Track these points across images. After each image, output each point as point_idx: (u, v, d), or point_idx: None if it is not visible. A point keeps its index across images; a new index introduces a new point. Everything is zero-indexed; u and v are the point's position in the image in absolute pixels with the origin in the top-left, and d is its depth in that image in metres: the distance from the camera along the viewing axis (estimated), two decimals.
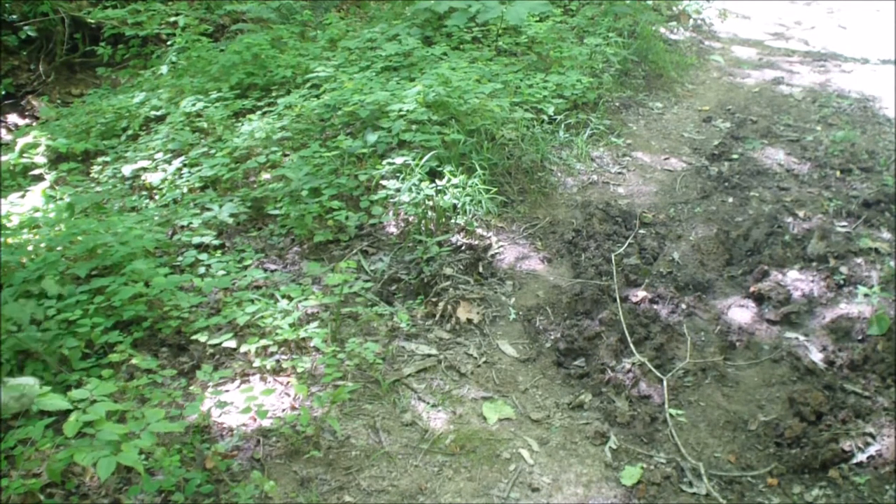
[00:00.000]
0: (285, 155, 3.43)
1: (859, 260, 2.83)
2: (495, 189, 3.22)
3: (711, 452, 2.11)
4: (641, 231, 3.17)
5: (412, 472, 2.00)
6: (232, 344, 2.36)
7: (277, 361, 2.30)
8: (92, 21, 5.30)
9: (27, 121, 4.78)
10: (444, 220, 3.02)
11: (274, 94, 4.10)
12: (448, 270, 2.77)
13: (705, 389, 2.34)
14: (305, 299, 2.54)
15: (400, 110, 3.40)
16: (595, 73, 4.47)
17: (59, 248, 2.61)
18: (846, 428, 2.10)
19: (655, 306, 2.68)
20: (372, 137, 3.33)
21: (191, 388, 2.21)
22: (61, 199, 3.23)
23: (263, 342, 2.34)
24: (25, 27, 5.14)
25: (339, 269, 2.54)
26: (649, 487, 1.98)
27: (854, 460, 2.02)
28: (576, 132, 3.91)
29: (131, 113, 4.10)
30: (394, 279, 2.78)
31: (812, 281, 2.74)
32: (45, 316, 2.27)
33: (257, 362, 2.29)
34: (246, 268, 2.75)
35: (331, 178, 3.13)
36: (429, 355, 2.43)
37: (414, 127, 3.33)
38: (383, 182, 3.15)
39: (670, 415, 2.22)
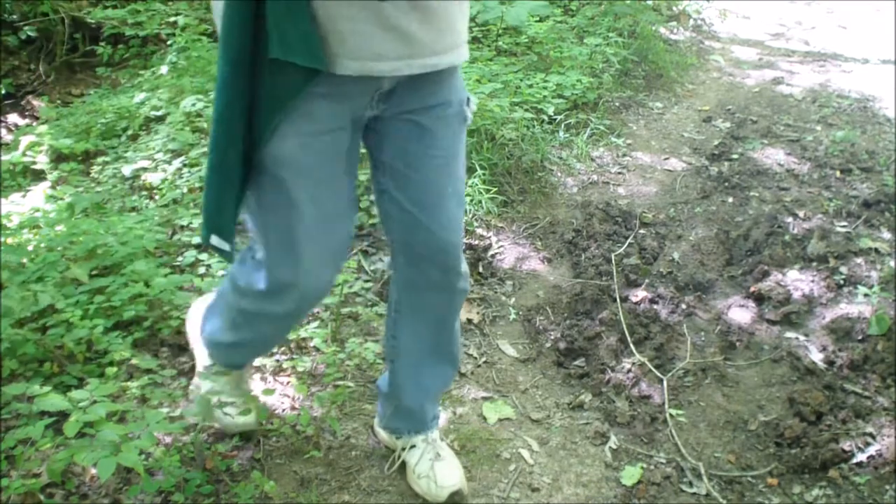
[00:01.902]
0: None
1: (859, 260, 2.83)
2: (495, 189, 3.22)
3: (711, 452, 2.11)
4: (641, 231, 3.17)
5: None
6: None
7: (277, 361, 2.30)
8: (92, 21, 5.29)
9: (27, 121, 4.77)
10: None
11: None
12: None
13: (705, 389, 2.34)
14: None
15: None
16: (595, 73, 4.47)
17: (59, 249, 2.61)
18: (846, 428, 2.10)
19: (655, 306, 2.68)
20: None
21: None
22: (62, 199, 3.23)
23: None
24: (25, 27, 5.14)
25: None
26: (649, 487, 1.98)
27: (854, 460, 2.02)
28: (576, 132, 3.91)
29: (131, 113, 4.09)
30: None
31: (812, 281, 2.75)
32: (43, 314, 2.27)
33: (257, 362, 2.29)
34: None
35: None
36: None
37: None
38: None
39: (670, 415, 2.22)
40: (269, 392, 2.05)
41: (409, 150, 1.51)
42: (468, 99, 1.57)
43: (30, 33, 5.16)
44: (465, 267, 1.70)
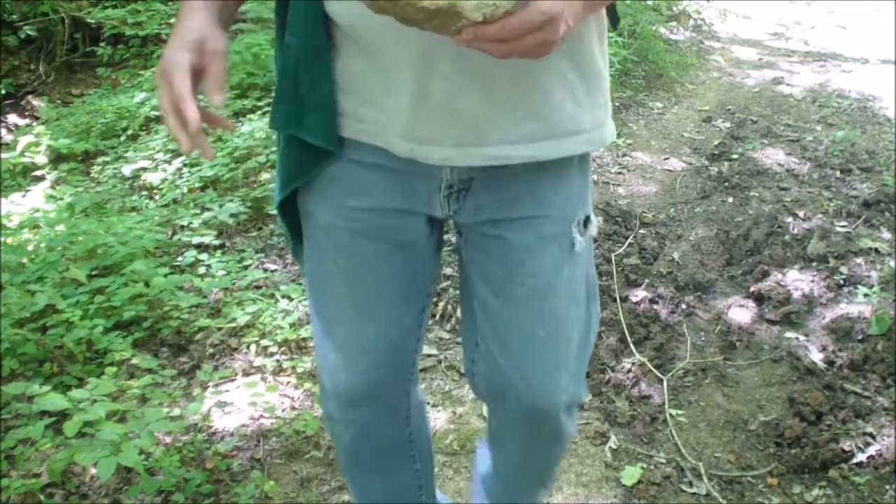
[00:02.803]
0: None
1: (859, 260, 2.83)
2: None
3: (711, 452, 2.11)
4: (641, 231, 3.17)
5: None
6: (232, 344, 2.37)
7: (278, 361, 2.30)
8: (92, 21, 5.30)
9: (27, 121, 4.78)
10: None
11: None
12: (448, 270, 2.77)
13: (705, 389, 2.34)
14: (306, 299, 2.54)
15: None
16: None
17: (59, 249, 2.61)
18: (846, 428, 2.10)
19: (655, 306, 2.68)
20: None
21: (191, 387, 2.21)
22: (61, 199, 3.23)
23: (264, 342, 2.35)
24: (25, 27, 5.14)
25: None
26: (649, 487, 1.98)
27: (854, 460, 2.02)
28: None
29: (131, 113, 4.10)
30: None
31: (812, 281, 2.75)
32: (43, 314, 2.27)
33: (258, 362, 2.29)
34: (246, 268, 2.75)
35: None
36: (429, 355, 2.43)
37: None
38: None
39: (670, 415, 2.22)
40: (272, 388, 2.05)
41: (491, 273, 1.13)
42: (587, 218, 1.13)
43: (30, 33, 5.16)
44: (569, 427, 1.27)
